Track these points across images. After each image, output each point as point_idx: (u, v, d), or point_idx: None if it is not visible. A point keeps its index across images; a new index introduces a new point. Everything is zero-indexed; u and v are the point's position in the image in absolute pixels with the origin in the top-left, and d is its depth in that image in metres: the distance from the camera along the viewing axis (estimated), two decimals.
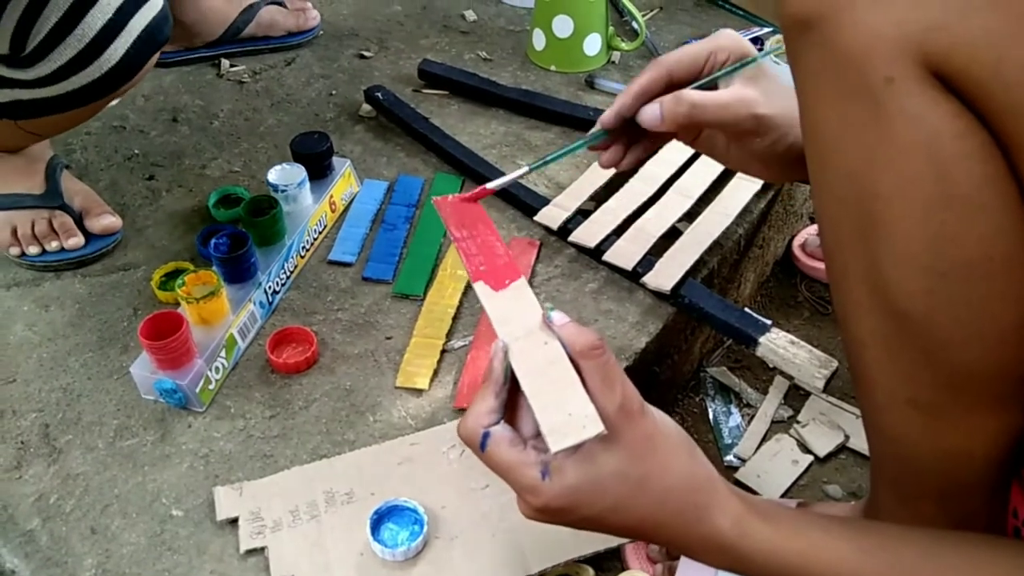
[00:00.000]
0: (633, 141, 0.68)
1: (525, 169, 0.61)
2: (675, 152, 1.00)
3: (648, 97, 0.63)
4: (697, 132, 0.68)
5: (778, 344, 0.79)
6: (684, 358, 0.96)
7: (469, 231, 0.55)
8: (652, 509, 0.47)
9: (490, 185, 0.59)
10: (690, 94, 0.61)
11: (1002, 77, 0.39)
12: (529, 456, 0.46)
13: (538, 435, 0.46)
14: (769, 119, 0.62)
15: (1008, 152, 0.41)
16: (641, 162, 0.70)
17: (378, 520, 0.66)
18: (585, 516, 0.47)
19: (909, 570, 0.48)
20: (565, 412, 0.45)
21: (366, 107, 1.14)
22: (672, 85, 0.63)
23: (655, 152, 0.71)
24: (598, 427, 0.44)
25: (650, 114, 0.62)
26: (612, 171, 0.98)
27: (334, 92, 1.18)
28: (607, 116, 0.64)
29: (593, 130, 0.66)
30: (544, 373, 0.46)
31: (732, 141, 0.66)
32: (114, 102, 0.95)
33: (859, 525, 0.52)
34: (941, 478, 0.54)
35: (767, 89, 0.62)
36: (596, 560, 0.69)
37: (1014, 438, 0.52)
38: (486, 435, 0.47)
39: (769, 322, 0.99)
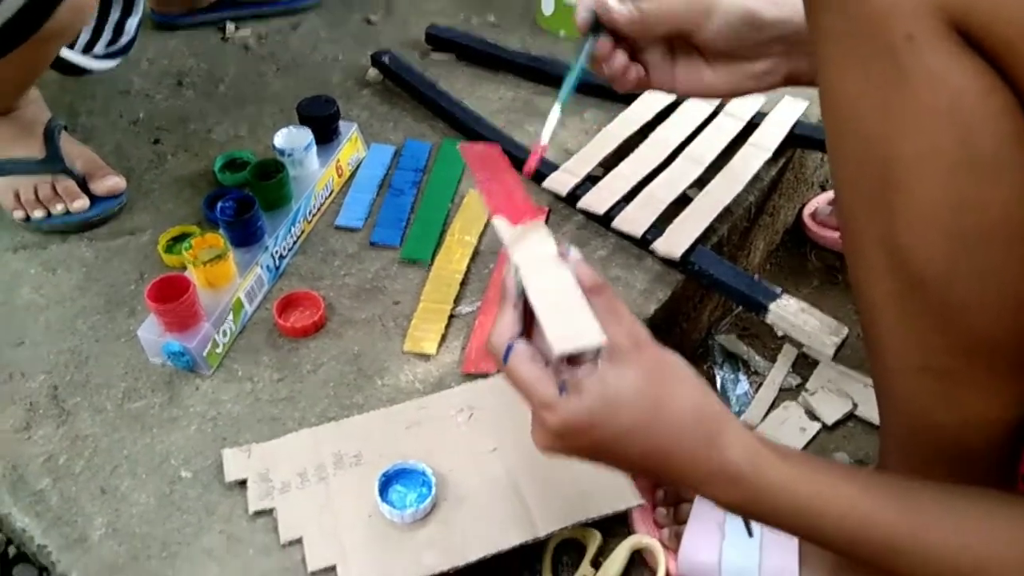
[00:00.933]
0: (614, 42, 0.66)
1: (557, 111, 0.63)
2: (685, 118, 0.99)
3: None
4: (671, 56, 0.67)
5: (788, 311, 0.78)
6: (693, 326, 0.96)
7: (492, 173, 0.56)
8: (665, 435, 0.47)
9: (544, 141, 0.62)
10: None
11: None
12: (549, 374, 0.46)
13: (558, 359, 0.47)
14: (706, 4, 0.63)
15: None
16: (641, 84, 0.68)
17: (386, 482, 0.66)
18: (599, 440, 0.46)
19: (920, 516, 0.48)
20: (571, 325, 0.45)
21: (373, 72, 1.12)
22: None
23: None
24: (600, 337, 0.45)
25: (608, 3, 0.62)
26: (622, 137, 0.97)
27: (340, 57, 1.17)
28: (581, 17, 0.63)
29: (583, 41, 0.64)
30: (553, 294, 0.47)
31: (699, 39, 0.64)
32: (78, 57, 0.93)
33: (871, 471, 0.52)
34: (951, 445, 0.54)
35: None
36: (603, 525, 0.69)
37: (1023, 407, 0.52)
38: (509, 348, 0.47)
39: (779, 289, 0.99)
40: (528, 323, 0.50)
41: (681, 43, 0.65)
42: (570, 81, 0.62)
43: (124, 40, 0.97)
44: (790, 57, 0.63)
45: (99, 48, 0.95)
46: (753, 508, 0.49)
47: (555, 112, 0.61)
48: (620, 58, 0.65)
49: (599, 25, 0.63)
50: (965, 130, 0.41)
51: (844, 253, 0.53)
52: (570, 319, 0.46)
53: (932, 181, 0.43)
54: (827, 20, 0.45)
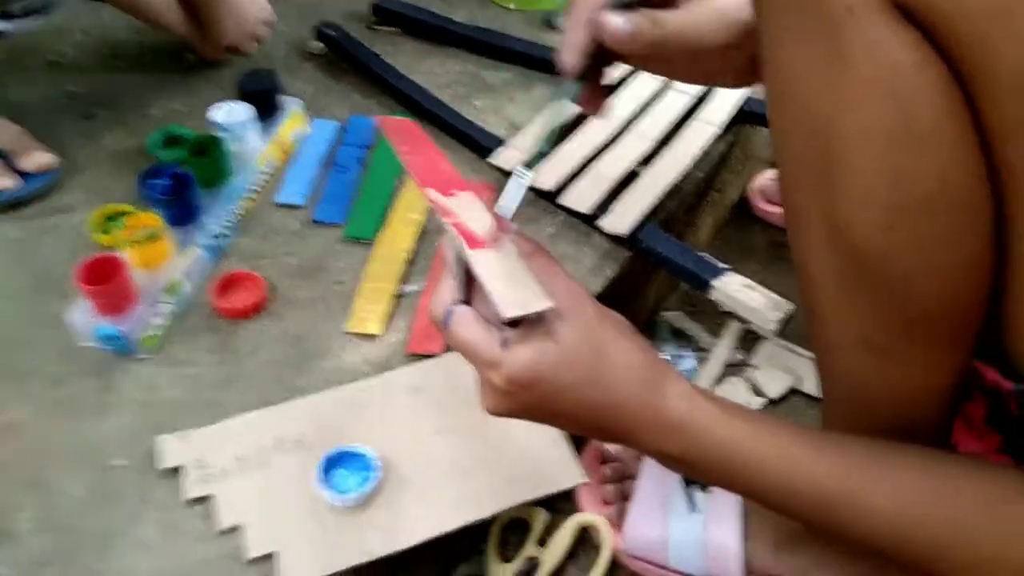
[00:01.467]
0: (597, 74, 0.61)
1: (528, 174, 0.53)
2: (633, 94, 0.98)
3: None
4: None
5: (732, 287, 0.78)
6: (640, 303, 0.96)
7: (415, 147, 0.55)
8: (608, 386, 0.47)
9: (508, 214, 0.52)
10: (659, 15, 0.54)
11: (964, 6, 0.38)
12: (491, 333, 0.47)
13: (499, 322, 0.47)
14: (745, 25, 0.56)
15: (966, 84, 0.41)
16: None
17: (328, 466, 0.65)
18: (545, 393, 0.47)
19: (856, 471, 0.49)
20: (516, 291, 0.46)
21: (317, 44, 1.09)
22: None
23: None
24: (547, 302, 0.45)
25: (621, 27, 0.53)
26: (570, 113, 0.96)
27: (284, 28, 1.13)
28: (570, 61, 0.56)
29: (566, 86, 0.57)
30: (494, 261, 0.48)
31: (704, 56, 0.59)
32: None
33: (805, 426, 0.53)
34: (890, 416, 0.55)
35: None
36: (549, 503, 0.69)
37: (961, 375, 0.53)
38: (449, 312, 0.48)
39: (725, 266, 0.99)
40: (469, 292, 0.50)
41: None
42: (545, 139, 0.54)
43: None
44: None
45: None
46: (691, 457, 0.49)
47: (525, 177, 0.53)
48: (598, 94, 0.60)
49: (590, 68, 0.56)
50: (902, 102, 0.41)
51: (786, 228, 0.53)
52: (514, 284, 0.46)
53: (871, 154, 0.43)
54: None
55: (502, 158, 0.92)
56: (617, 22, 0.53)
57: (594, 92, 0.60)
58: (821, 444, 0.50)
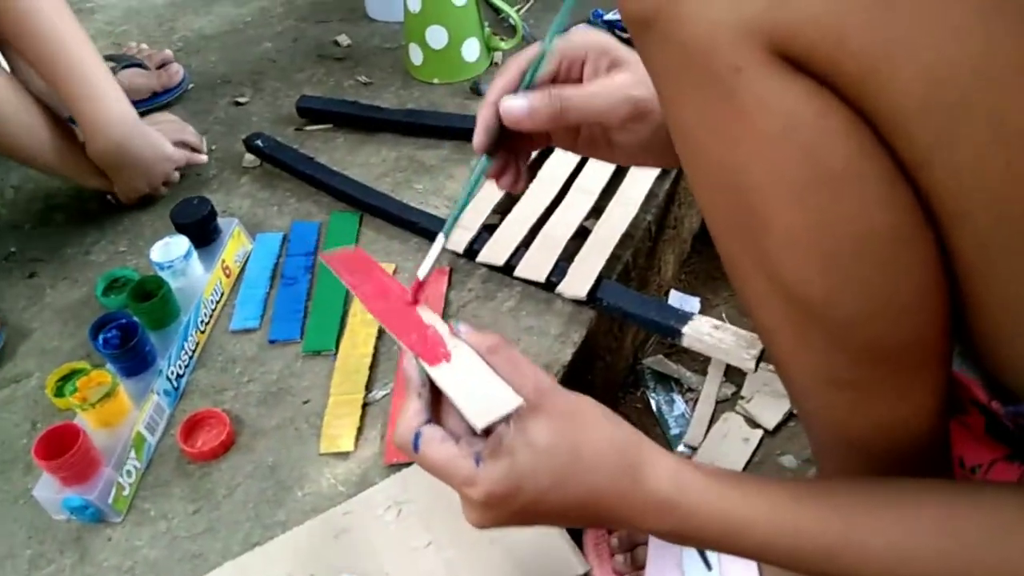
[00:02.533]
0: (518, 152, 0.62)
1: (441, 240, 0.56)
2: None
3: None
4: (575, 132, 0.63)
5: (702, 332, 0.77)
6: (617, 356, 0.94)
7: (362, 276, 0.56)
8: (589, 480, 0.47)
9: (422, 274, 0.54)
10: (557, 91, 0.56)
11: (846, 47, 0.37)
12: (462, 450, 0.46)
13: (469, 433, 0.48)
14: (646, 100, 0.58)
15: (871, 122, 0.39)
16: (533, 171, 0.66)
17: None
18: (528, 501, 0.46)
19: (849, 517, 0.47)
20: (484, 397, 0.46)
21: (249, 157, 1.09)
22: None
23: (538, 151, 0.65)
24: (517, 400, 0.45)
25: (516, 107, 0.55)
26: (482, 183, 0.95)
27: (214, 146, 1.13)
28: (479, 140, 0.58)
29: (477, 162, 0.60)
30: (458, 371, 0.48)
31: (614, 133, 0.61)
32: None
33: (795, 480, 0.51)
34: (877, 449, 0.53)
35: (637, 71, 0.58)
36: None
37: (941, 396, 0.51)
38: (417, 435, 0.47)
39: (695, 304, 0.98)
40: (437, 408, 0.49)
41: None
42: (459, 207, 0.56)
43: None
44: None
45: None
46: (687, 532, 0.48)
47: (439, 242, 0.56)
48: (512, 170, 0.61)
49: (497, 144, 0.57)
50: (808, 152, 0.40)
51: (730, 280, 0.52)
52: (482, 391, 0.47)
53: (787, 205, 0.42)
54: (657, 56, 0.44)
55: (452, 240, 0.91)
56: (512, 104, 0.55)
57: (506, 168, 0.60)
58: (813, 496, 0.49)
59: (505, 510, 0.47)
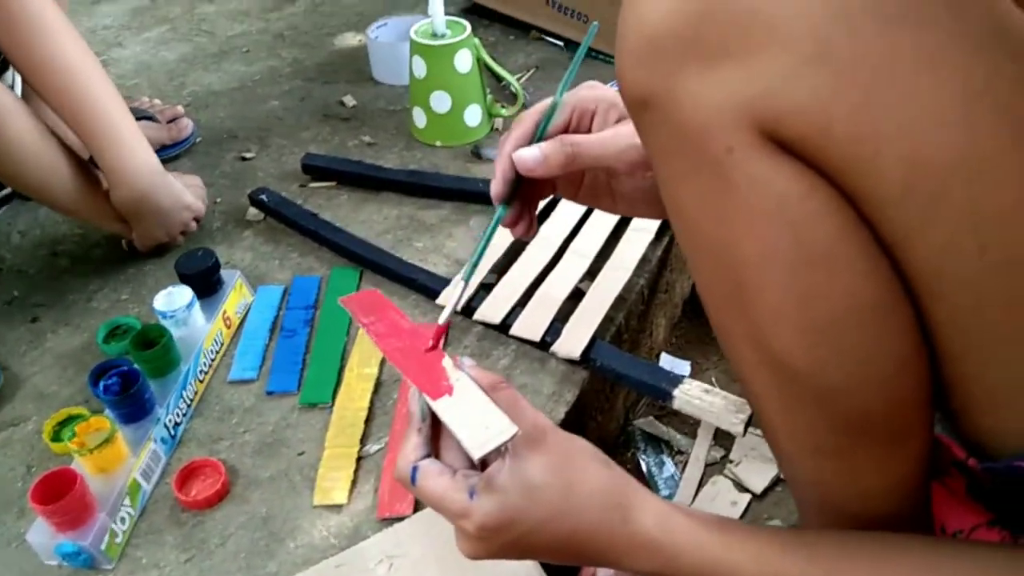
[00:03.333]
0: (529, 201, 0.64)
1: (461, 285, 0.58)
2: (566, 214, 1.00)
3: None
4: (579, 181, 0.66)
5: (692, 395, 0.78)
6: (608, 416, 0.96)
7: (376, 316, 0.58)
8: (580, 518, 0.48)
9: (442, 321, 0.56)
10: (569, 137, 0.59)
11: (832, 134, 0.40)
12: (458, 483, 0.48)
13: (467, 467, 0.50)
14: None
15: (853, 201, 0.42)
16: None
17: None
18: (519, 535, 0.48)
19: (830, 563, 0.48)
20: (482, 427, 0.48)
21: (253, 211, 1.11)
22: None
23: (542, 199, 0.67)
24: (513, 429, 0.47)
25: (530, 156, 0.58)
26: (509, 240, 0.98)
27: (219, 200, 1.16)
28: (497, 190, 0.60)
29: (497, 213, 0.61)
30: (458, 403, 0.50)
31: (618, 181, 0.64)
32: None
33: (777, 528, 0.52)
34: (861, 514, 0.54)
35: None
36: None
37: (923, 463, 0.52)
38: (415, 469, 0.49)
39: (686, 368, 1.00)
40: (436, 442, 0.52)
41: (596, 175, 0.65)
42: (478, 253, 0.58)
43: None
44: None
45: None
46: (670, 573, 0.50)
47: (458, 288, 0.58)
48: (527, 219, 0.63)
49: (512, 194, 0.60)
50: (795, 229, 0.43)
51: (721, 346, 0.54)
52: (480, 421, 0.48)
53: (775, 280, 0.44)
54: (654, 136, 0.46)
55: (449, 297, 0.93)
56: (526, 154, 0.58)
57: (520, 217, 0.63)
58: (797, 546, 0.50)
59: (496, 542, 0.48)
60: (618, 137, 0.59)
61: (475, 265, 0.59)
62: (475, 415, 0.49)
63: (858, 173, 0.40)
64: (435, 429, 0.52)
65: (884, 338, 0.45)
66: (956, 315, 0.43)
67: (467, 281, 0.58)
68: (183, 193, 1.02)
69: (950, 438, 0.54)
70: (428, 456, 0.51)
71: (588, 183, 0.65)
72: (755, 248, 0.44)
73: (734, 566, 0.49)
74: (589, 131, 0.61)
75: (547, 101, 0.60)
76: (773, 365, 0.48)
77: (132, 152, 0.95)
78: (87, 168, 0.98)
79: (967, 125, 0.37)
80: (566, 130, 0.60)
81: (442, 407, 0.50)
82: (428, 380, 0.52)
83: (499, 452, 0.48)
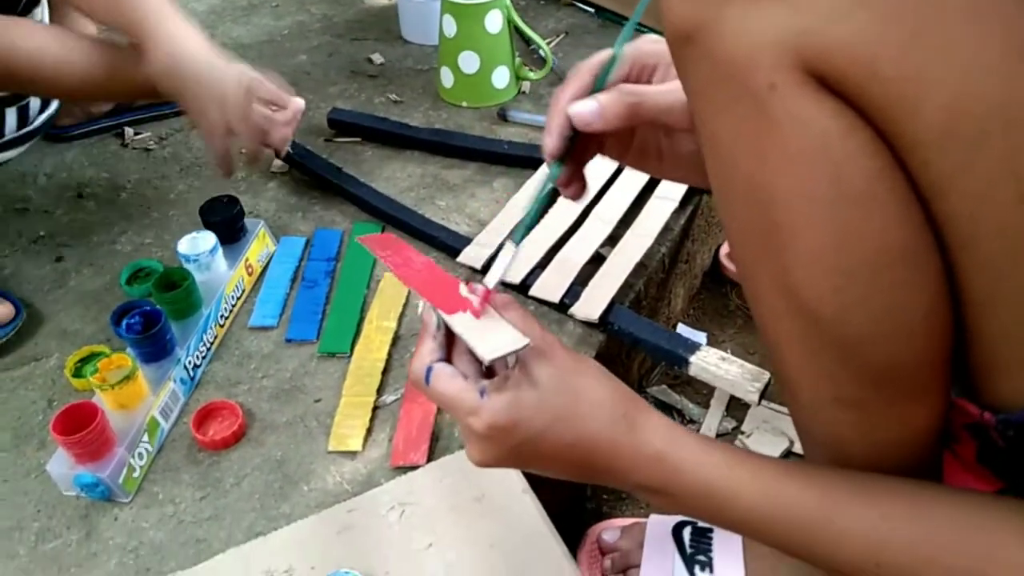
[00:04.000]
0: (580, 161, 0.61)
1: (512, 249, 0.55)
2: (590, 179, 1.00)
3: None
4: (630, 139, 0.62)
5: (709, 362, 0.79)
6: (624, 382, 0.96)
7: (392, 250, 0.60)
8: (587, 423, 0.49)
9: (491, 283, 0.53)
10: (630, 86, 0.56)
11: (877, 74, 0.39)
12: (469, 384, 0.49)
13: (478, 376, 0.51)
14: None
15: (892, 145, 0.42)
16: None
17: None
18: (526, 437, 0.49)
19: (834, 493, 0.49)
20: (493, 337, 0.49)
21: (278, 162, 1.12)
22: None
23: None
24: (524, 340, 0.48)
25: (587, 109, 0.55)
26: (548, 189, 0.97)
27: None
28: (552, 145, 0.57)
29: (546, 169, 0.58)
30: (472, 318, 0.51)
31: (673, 139, 0.61)
32: None
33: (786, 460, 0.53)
34: (875, 468, 0.55)
35: None
36: None
37: (939, 420, 0.52)
38: (429, 369, 0.50)
39: (702, 338, 1.00)
40: (449, 352, 0.53)
41: (647, 135, 0.62)
42: (530, 215, 0.55)
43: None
44: None
45: None
46: (671, 488, 0.50)
47: (509, 251, 0.54)
48: (579, 180, 0.61)
49: (567, 151, 0.57)
50: (835, 168, 0.42)
51: (745, 296, 0.54)
52: (492, 331, 0.49)
53: (812, 219, 0.44)
54: (695, 70, 0.46)
55: (471, 256, 0.93)
56: (582, 107, 0.55)
57: (574, 176, 0.60)
58: (798, 473, 0.51)
59: (504, 445, 0.49)
60: (679, 93, 0.55)
61: (528, 228, 0.56)
62: (486, 327, 0.50)
63: (900, 114, 0.40)
64: (448, 343, 0.53)
65: (911, 287, 0.45)
66: (988, 264, 0.43)
67: (517, 244, 0.55)
68: (232, 69, 0.86)
69: (962, 398, 0.54)
70: (442, 360, 0.52)
71: (639, 143, 0.62)
72: (791, 187, 0.44)
73: (734, 486, 0.50)
74: (649, 84, 0.58)
75: (604, 53, 0.57)
76: (800, 311, 0.48)
77: (171, 21, 0.86)
78: (111, 44, 0.89)
79: (1008, 75, 0.37)
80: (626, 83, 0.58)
81: (456, 320, 0.51)
82: (444, 298, 0.53)
83: (507, 363, 0.50)
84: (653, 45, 0.58)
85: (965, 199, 0.41)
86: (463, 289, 0.54)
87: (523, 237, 0.55)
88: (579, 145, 0.58)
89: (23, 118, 0.98)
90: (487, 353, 0.47)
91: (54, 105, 1.02)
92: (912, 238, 0.43)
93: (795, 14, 0.40)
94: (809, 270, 0.45)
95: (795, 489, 0.49)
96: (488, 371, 0.52)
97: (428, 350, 0.52)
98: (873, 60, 0.39)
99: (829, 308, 0.46)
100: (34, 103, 0.98)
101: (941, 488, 0.50)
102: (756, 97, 0.42)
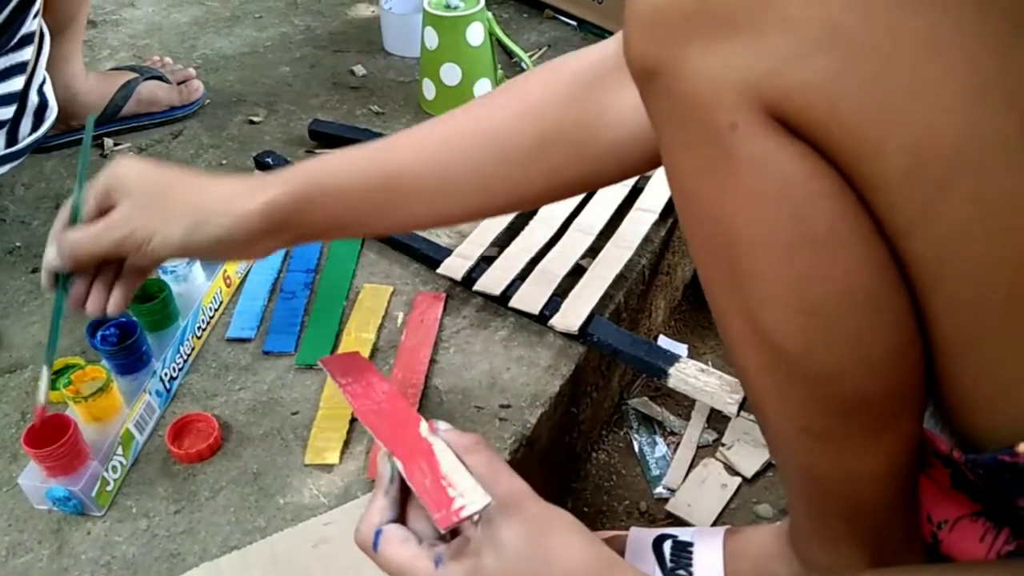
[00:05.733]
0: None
1: (46, 374, 0.66)
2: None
3: None
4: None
5: (688, 374, 0.79)
6: (603, 394, 0.96)
7: (353, 377, 0.59)
8: None
9: (41, 402, 0.63)
10: (64, 233, 0.63)
11: (838, 116, 0.39)
12: (422, 550, 0.46)
13: (434, 536, 0.47)
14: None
15: (857, 188, 0.41)
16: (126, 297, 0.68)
17: None
18: None
19: None
20: (453, 496, 0.45)
21: (258, 173, 1.11)
22: None
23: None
24: (486, 500, 0.44)
25: (57, 262, 0.64)
26: (512, 215, 0.97)
27: (224, 162, 1.16)
28: (45, 281, 0.67)
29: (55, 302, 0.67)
30: (430, 469, 0.48)
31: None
32: None
33: None
34: (846, 498, 0.55)
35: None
36: None
37: (912, 450, 0.52)
38: (378, 533, 0.47)
39: (683, 350, 1.00)
40: (404, 510, 0.49)
41: None
42: (52, 344, 0.64)
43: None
44: None
45: None
46: None
47: (44, 375, 0.64)
48: (96, 297, 0.67)
49: (67, 276, 0.65)
50: (796, 211, 0.42)
51: (715, 324, 0.54)
52: (453, 487, 0.46)
53: (773, 260, 0.44)
54: (659, 105, 0.46)
55: (451, 267, 0.93)
56: (54, 261, 0.66)
57: (84, 295, 0.68)
58: None
59: None
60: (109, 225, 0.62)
61: (55, 349, 0.64)
62: (449, 483, 0.46)
63: (863, 157, 0.40)
64: (403, 494, 0.50)
65: (877, 326, 0.44)
66: (956, 306, 0.42)
67: (49, 365, 0.63)
68: None
69: (933, 432, 0.54)
70: (394, 521, 0.49)
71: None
72: (753, 227, 0.43)
73: None
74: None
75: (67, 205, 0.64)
76: (765, 345, 0.47)
77: None
78: None
79: (972, 116, 0.37)
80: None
81: (411, 472, 0.48)
82: (401, 443, 0.50)
83: (470, 522, 0.46)
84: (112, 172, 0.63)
85: (931, 241, 0.41)
86: (424, 428, 0.51)
87: (53, 355, 0.63)
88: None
89: (12, 138, 0.98)
90: (442, 520, 0.44)
91: (45, 126, 1.02)
92: (876, 279, 0.43)
93: (757, 55, 0.39)
94: (773, 309, 0.45)
95: None
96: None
97: (378, 509, 0.48)
98: (834, 102, 0.39)
99: (793, 344, 0.46)
100: (24, 125, 0.97)
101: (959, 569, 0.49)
102: (718, 136, 0.42)
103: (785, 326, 0.45)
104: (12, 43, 0.90)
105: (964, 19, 0.36)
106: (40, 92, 0.97)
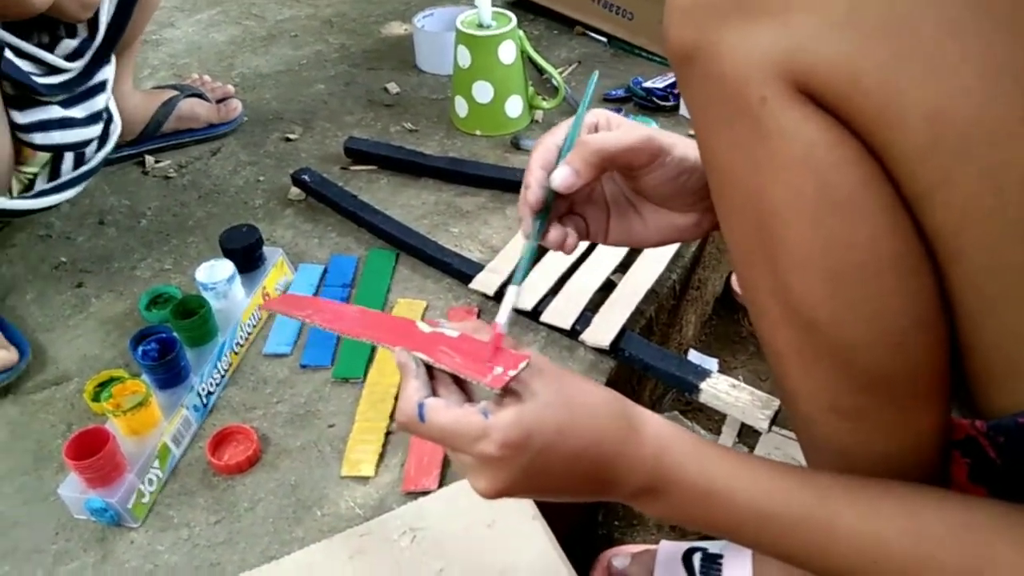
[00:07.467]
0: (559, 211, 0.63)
1: (516, 290, 0.55)
2: None
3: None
4: (605, 205, 0.64)
5: (720, 389, 0.79)
6: None
7: (312, 308, 0.57)
8: (590, 426, 0.48)
9: (502, 328, 0.52)
10: (587, 137, 0.58)
11: (860, 88, 0.42)
12: (468, 408, 0.48)
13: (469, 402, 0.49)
14: (663, 141, 0.59)
15: (879, 157, 0.43)
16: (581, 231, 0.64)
17: None
18: (537, 452, 0.47)
19: (829, 494, 0.49)
20: (486, 363, 0.47)
21: (295, 190, 1.13)
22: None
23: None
24: (524, 358, 0.47)
25: (563, 175, 0.56)
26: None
27: (262, 178, 1.18)
28: (533, 199, 0.58)
29: (531, 225, 0.58)
30: (451, 348, 0.49)
31: (640, 182, 0.61)
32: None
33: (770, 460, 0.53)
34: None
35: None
36: None
37: (942, 434, 0.52)
38: (421, 406, 0.48)
39: (714, 365, 1.00)
40: (433, 390, 0.51)
41: (618, 193, 0.65)
42: (524, 263, 0.56)
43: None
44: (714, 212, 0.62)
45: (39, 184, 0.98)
46: (672, 486, 0.50)
47: (511, 293, 0.55)
48: (568, 234, 0.61)
49: (549, 203, 0.58)
50: (821, 178, 0.44)
51: (748, 311, 0.55)
52: (482, 359, 0.48)
53: (800, 226, 0.46)
54: (695, 88, 0.48)
55: (483, 283, 0.94)
56: (558, 175, 0.56)
57: (557, 227, 0.60)
58: (795, 471, 0.51)
59: (515, 464, 0.47)
60: (635, 129, 0.59)
61: (527, 269, 0.56)
62: (475, 355, 0.48)
63: (883, 126, 0.42)
64: (431, 380, 0.51)
65: (901, 294, 0.46)
66: (974, 276, 0.44)
67: (519, 284, 0.55)
68: None
69: (954, 415, 0.54)
70: (430, 396, 0.50)
71: (612, 201, 0.64)
72: (782, 195, 0.45)
73: (734, 480, 0.49)
74: None
75: (564, 124, 0.59)
76: (796, 319, 0.49)
77: None
78: None
79: (987, 92, 0.39)
80: None
81: (438, 357, 0.49)
82: (411, 339, 0.51)
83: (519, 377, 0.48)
84: (598, 110, 0.62)
85: (949, 212, 0.43)
86: (424, 326, 0.52)
87: (524, 278, 0.55)
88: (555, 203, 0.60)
89: (79, 158, 1.02)
90: (495, 381, 0.46)
91: (111, 141, 1.05)
92: (900, 246, 0.45)
93: (785, 34, 0.43)
94: (801, 275, 0.47)
95: (794, 486, 0.49)
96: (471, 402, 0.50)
97: (413, 388, 0.50)
98: (857, 76, 0.41)
99: (822, 313, 0.47)
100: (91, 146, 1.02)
101: (937, 490, 0.50)
102: (749, 111, 0.45)
103: (813, 295, 0.46)
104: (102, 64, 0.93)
105: (978, 2, 0.39)
106: (107, 109, 1.01)
